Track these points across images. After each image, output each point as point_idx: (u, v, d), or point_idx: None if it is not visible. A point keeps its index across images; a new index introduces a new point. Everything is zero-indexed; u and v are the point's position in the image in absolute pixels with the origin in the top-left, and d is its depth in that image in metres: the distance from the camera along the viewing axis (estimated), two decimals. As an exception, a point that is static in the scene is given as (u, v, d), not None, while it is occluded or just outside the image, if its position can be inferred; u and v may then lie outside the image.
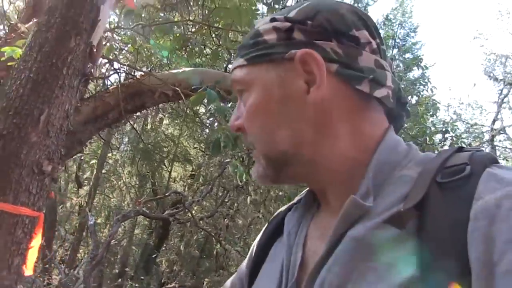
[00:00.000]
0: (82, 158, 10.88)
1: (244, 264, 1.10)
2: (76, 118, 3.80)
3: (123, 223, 9.23)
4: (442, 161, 0.71)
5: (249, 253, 1.07)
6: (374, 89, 0.77)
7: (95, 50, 2.15)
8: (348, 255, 0.68)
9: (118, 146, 11.62)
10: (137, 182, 11.89)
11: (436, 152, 0.78)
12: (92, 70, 2.16)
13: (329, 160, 0.78)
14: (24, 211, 1.79)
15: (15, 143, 1.83)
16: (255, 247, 1.03)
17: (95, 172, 10.39)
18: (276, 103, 0.79)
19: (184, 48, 5.32)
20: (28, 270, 1.90)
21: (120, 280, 9.92)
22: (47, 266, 7.62)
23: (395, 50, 14.00)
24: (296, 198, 1.00)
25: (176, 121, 11.26)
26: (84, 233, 10.26)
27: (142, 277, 10.50)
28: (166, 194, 9.38)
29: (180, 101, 5.14)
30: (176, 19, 5.17)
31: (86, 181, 10.84)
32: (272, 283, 0.82)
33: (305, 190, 0.94)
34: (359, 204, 0.70)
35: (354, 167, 0.77)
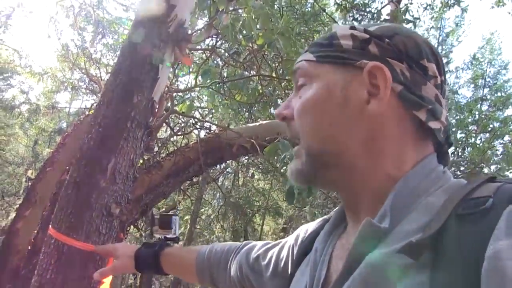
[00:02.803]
0: (177, 213, 11.23)
1: (280, 254, 1.15)
2: (159, 173, 4.09)
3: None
4: (468, 191, 0.68)
5: (286, 254, 1.11)
6: (430, 119, 0.78)
7: (156, 105, 2.41)
8: (364, 280, 0.68)
9: (210, 201, 11.89)
10: (231, 236, 12.04)
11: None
12: (154, 123, 2.39)
13: (367, 174, 0.79)
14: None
15: (86, 189, 2.08)
16: (290, 256, 1.07)
17: (188, 227, 10.71)
18: (334, 104, 0.80)
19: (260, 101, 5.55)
20: (101, 303, 2.09)
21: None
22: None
23: (486, 90, 13.38)
24: (329, 215, 1.00)
25: (267, 176, 11.33)
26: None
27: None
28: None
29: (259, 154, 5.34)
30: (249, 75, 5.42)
31: (181, 236, 11.17)
32: None
33: (336, 208, 0.95)
34: (374, 225, 0.71)
35: (388, 188, 0.76)
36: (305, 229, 1.09)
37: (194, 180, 4.89)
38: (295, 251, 1.05)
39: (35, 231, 3.41)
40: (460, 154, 9.86)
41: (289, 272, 1.03)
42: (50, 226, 2.07)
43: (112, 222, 2.14)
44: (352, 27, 0.82)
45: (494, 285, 0.54)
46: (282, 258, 1.11)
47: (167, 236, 1.79)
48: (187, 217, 11.38)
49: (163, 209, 10.01)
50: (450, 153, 0.88)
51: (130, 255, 1.60)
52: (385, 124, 0.78)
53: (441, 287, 0.59)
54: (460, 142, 9.75)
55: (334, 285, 0.73)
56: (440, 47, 12.72)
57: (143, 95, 2.30)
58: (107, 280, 2.14)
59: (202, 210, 11.50)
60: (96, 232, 2.06)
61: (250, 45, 4.39)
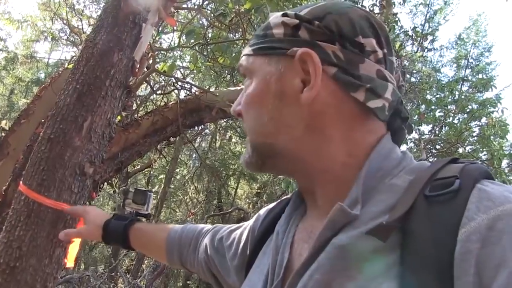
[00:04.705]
0: (152, 172, 11.22)
1: (221, 238, 1.18)
2: (136, 131, 4.04)
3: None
4: (432, 172, 0.69)
5: (242, 236, 1.11)
6: (369, 99, 0.75)
7: (137, 65, 2.35)
8: (330, 263, 0.68)
9: (186, 162, 11.86)
10: (204, 198, 12.08)
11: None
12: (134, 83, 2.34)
13: (318, 161, 0.78)
14: (65, 207, 1.97)
15: (60, 146, 2.04)
16: (250, 237, 1.06)
17: (162, 187, 10.71)
18: (271, 96, 0.80)
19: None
20: (69, 262, 2.07)
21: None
22: (112, 274, 7.91)
23: (468, 71, 13.39)
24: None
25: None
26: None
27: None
28: (229, 210, 9.53)
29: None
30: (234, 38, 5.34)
31: (154, 195, 11.16)
32: (260, 279, 0.84)
33: (294, 190, 0.93)
34: (345, 212, 0.70)
35: (344, 172, 0.76)
36: (266, 210, 1.08)
37: (171, 140, 4.85)
38: (255, 233, 1.04)
39: (7, 184, 3.36)
40: (437, 132, 9.95)
41: (247, 253, 1.03)
42: (21, 182, 2.02)
43: (85, 181, 2.11)
44: (284, 14, 0.80)
45: (469, 265, 0.55)
46: (243, 239, 1.10)
47: (139, 211, 1.75)
48: (161, 176, 11.36)
49: (139, 167, 9.99)
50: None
51: (99, 224, 1.54)
52: (325, 110, 0.77)
53: (412, 268, 0.59)
54: (438, 121, 9.83)
55: (301, 267, 0.72)
56: (427, 24, 12.67)
57: (124, 54, 2.25)
58: (77, 240, 2.11)
59: (177, 170, 11.48)
60: (68, 191, 2.03)
61: (237, 7, 4.31)
